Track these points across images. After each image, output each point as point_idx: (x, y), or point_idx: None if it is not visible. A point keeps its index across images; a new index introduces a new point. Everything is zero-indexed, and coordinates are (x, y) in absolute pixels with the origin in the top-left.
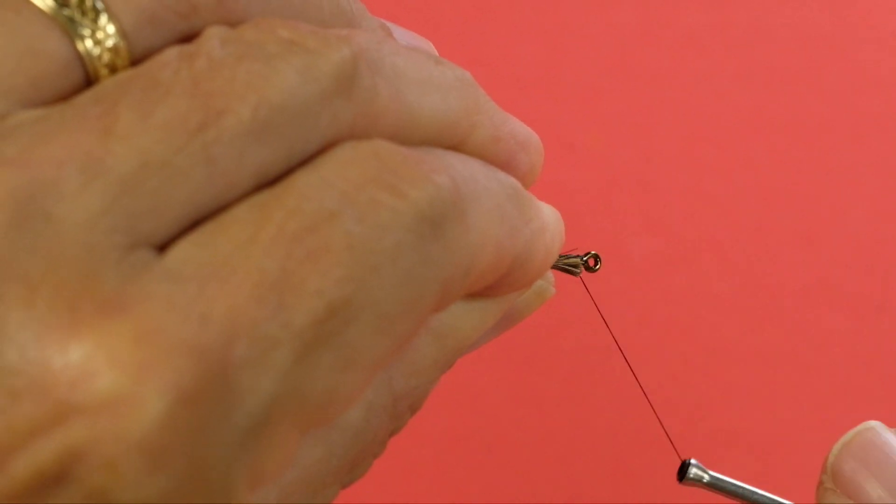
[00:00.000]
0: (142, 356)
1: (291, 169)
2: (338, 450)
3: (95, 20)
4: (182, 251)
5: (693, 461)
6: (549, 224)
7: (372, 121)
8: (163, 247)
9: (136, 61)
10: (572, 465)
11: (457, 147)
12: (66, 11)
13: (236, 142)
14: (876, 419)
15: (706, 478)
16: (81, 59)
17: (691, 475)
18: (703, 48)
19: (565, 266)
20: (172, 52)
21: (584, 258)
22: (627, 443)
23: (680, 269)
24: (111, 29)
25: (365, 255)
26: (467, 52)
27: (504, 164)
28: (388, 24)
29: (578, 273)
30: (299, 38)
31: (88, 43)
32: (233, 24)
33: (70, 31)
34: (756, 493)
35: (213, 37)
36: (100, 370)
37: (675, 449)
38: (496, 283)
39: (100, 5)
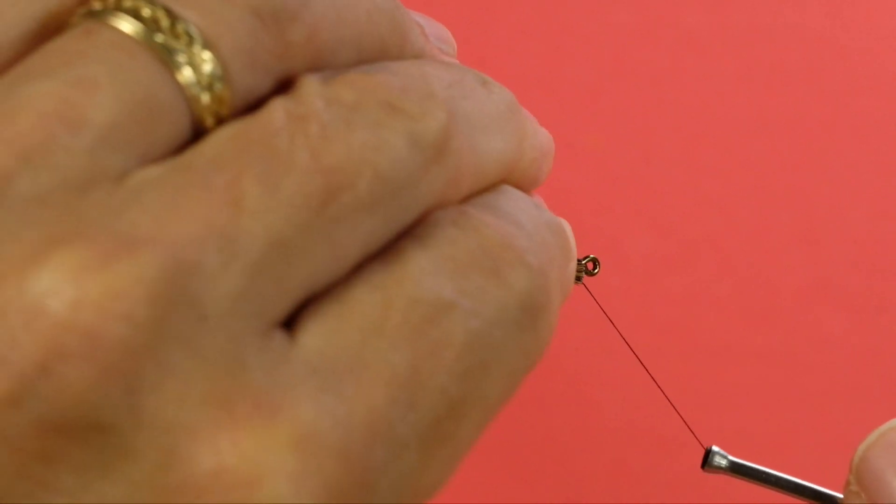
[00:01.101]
0: (300, 463)
1: (396, 239)
2: None
3: (190, 45)
4: (314, 338)
5: (715, 448)
6: (573, 252)
7: (458, 183)
8: (285, 324)
9: (237, 108)
10: (572, 465)
11: (508, 178)
12: (159, 37)
13: (353, 217)
14: (876, 419)
15: (725, 463)
16: (186, 101)
17: (714, 463)
18: (703, 48)
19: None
20: (280, 113)
21: (583, 262)
22: (627, 443)
23: (680, 269)
24: (207, 55)
25: (480, 352)
26: (467, 52)
27: (537, 182)
28: (415, 15)
29: (580, 280)
30: (397, 101)
31: (187, 72)
32: (319, 62)
33: (166, 59)
34: (780, 478)
35: (315, 95)
36: (263, 476)
37: (696, 437)
38: None
39: (193, 30)
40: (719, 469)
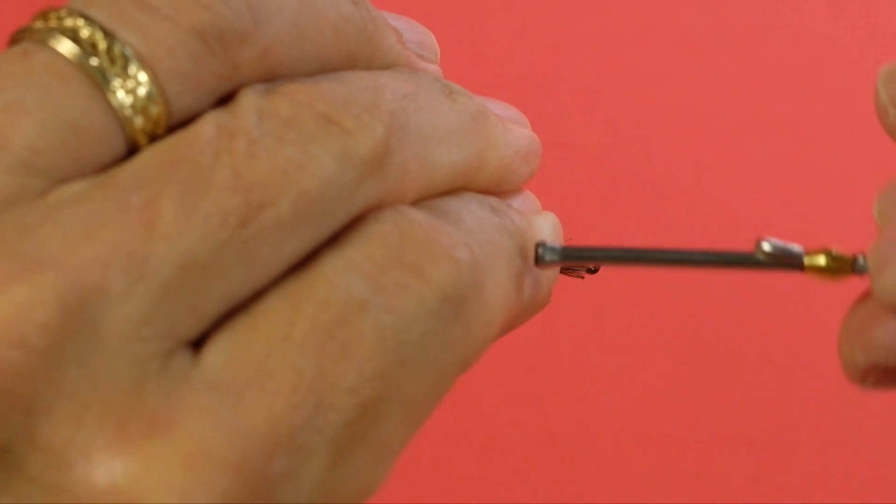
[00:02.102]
0: (189, 478)
1: (319, 248)
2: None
3: (125, 68)
4: (218, 354)
5: (544, 242)
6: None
7: (400, 191)
8: (197, 342)
9: (173, 126)
10: (573, 465)
11: (466, 186)
12: (94, 61)
13: (275, 235)
14: (876, 422)
15: (556, 255)
16: (121, 127)
17: (546, 258)
18: (703, 48)
19: (567, 272)
20: (210, 127)
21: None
22: (627, 443)
23: (679, 270)
24: (143, 77)
25: (395, 349)
26: (467, 52)
27: (509, 184)
28: (394, 18)
29: (581, 276)
30: (335, 114)
31: (120, 94)
32: (273, 78)
33: (100, 82)
34: (625, 252)
35: (249, 108)
36: (148, 494)
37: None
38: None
39: (129, 53)
40: (552, 262)
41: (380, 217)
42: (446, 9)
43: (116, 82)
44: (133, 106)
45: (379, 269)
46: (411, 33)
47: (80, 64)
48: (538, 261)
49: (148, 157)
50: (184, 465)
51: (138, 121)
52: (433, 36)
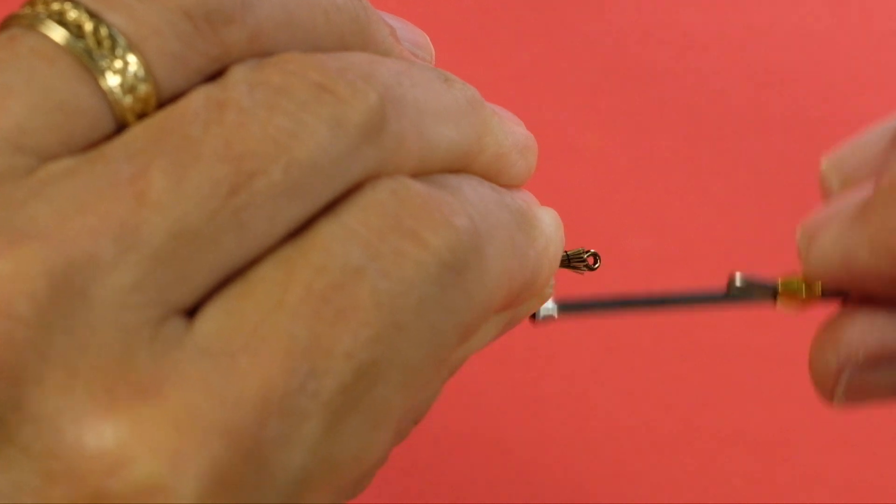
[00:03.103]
0: (178, 442)
1: (316, 216)
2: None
3: (113, 49)
4: (211, 321)
5: (548, 304)
6: (551, 237)
7: (398, 162)
8: (192, 310)
9: (163, 104)
10: (572, 465)
11: (465, 169)
12: (81, 43)
13: (268, 203)
14: (875, 419)
15: (554, 312)
16: (110, 106)
17: (541, 315)
18: (703, 48)
19: (570, 266)
20: (200, 99)
21: (585, 256)
22: (627, 443)
23: (680, 269)
24: (131, 58)
25: (392, 313)
26: (467, 52)
27: (508, 177)
28: (390, 18)
29: (583, 271)
30: (328, 82)
31: (109, 76)
32: (262, 54)
33: (89, 65)
34: (624, 300)
35: (241, 81)
36: (136, 457)
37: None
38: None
39: (116, 34)
40: (550, 318)
41: (377, 185)
42: (447, 8)
43: (104, 63)
44: (122, 86)
45: (376, 235)
46: (406, 32)
47: (67, 46)
48: (534, 316)
49: (137, 131)
50: (174, 430)
51: (127, 100)
52: (428, 38)
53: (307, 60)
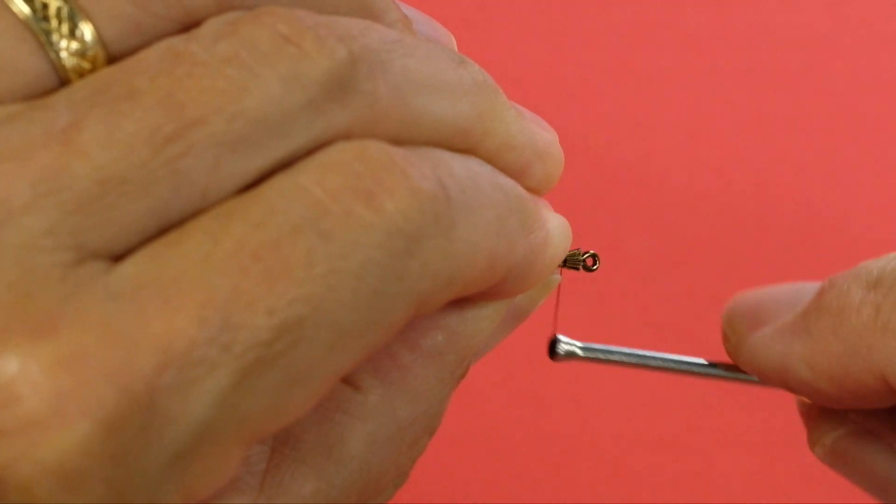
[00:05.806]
0: (63, 382)
1: (273, 173)
2: (337, 482)
3: (73, 32)
4: (132, 266)
5: (561, 336)
6: (553, 236)
7: (371, 124)
8: (123, 256)
9: (116, 59)
10: (573, 465)
11: (470, 151)
12: (44, 25)
13: (208, 153)
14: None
15: (578, 350)
16: (53, 65)
17: (561, 351)
18: (703, 48)
19: (568, 265)
20: (158, 52)
21: (583, 257)
22: (627, 443)
23: (680, 269)
24: (89, 36)
25: (324, 275)
26: (467, 53)
27: (516, 173)
28: (411, 10)
29: (578, 269)
30: (296, 35)
31: (63, 55)
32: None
33: (45, 43)
34: (641, 355)
35: (208, 34)
36: (22, 394)
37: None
38: (491, 290)
39: (78, 17)
40: (568, 356)
41: (345, 145)
42: (447, 8)
43: (51, 25)
44: (67, 49)
45: (330, 195)
46: (424, 26)
47: (7, 4)
48: (553, 354)
49: (84, 83)
50: (60, 368)
51: (71, 62)
52: (453, 38)
53: (283, 13)
